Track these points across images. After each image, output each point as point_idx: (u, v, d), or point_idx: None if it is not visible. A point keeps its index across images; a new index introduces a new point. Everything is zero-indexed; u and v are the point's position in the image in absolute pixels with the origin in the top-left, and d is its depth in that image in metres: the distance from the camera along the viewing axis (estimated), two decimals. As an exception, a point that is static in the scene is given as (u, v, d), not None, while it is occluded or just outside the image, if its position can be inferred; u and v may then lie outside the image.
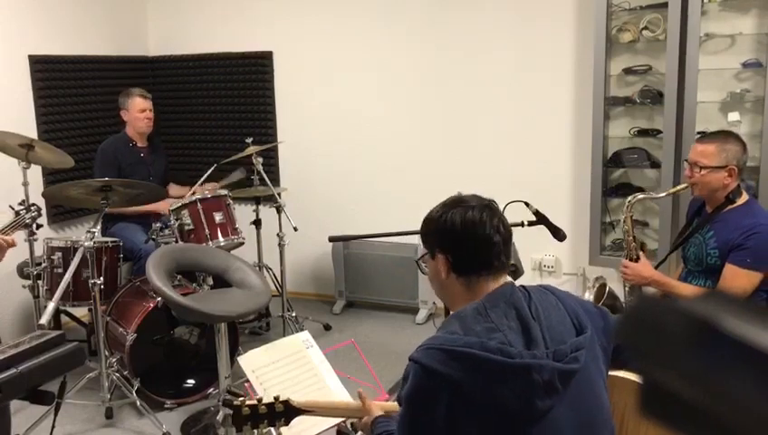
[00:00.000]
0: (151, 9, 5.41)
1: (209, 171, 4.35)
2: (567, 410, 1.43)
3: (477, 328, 1.44)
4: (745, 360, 0.44)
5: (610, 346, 1.56)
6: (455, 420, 1.40)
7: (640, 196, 3.09)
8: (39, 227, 3.59)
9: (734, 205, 2.69)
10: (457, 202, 1.60)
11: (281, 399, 1.83)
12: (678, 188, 2.97)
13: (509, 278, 1.60)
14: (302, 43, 4.96)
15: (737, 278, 2.60)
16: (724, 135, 2.75)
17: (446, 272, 1.58)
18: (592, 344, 1.52)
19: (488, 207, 1.59)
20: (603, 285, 3.22)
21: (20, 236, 3.58)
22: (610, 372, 1.59)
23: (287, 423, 1.84)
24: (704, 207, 2.86)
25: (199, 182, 4.31)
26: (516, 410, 1.39)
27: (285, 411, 1.83)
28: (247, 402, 1.83)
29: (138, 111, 4.20)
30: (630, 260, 2.92)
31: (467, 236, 1.56)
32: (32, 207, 3.39)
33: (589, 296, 3.21)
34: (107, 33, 5.06)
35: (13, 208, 3.39)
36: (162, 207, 4.00)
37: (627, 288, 3.03)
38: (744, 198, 2.72)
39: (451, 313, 1.59)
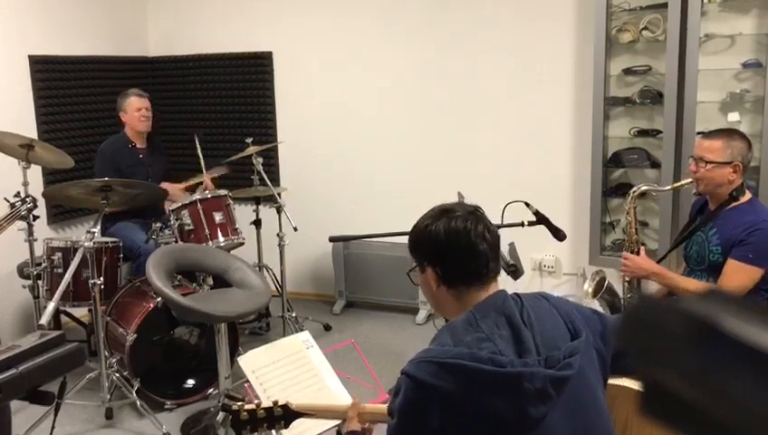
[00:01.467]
0: (151, 9, 5.42)
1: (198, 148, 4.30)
2: (562, 417, 1.42)
3: (467, 338, 1.43)
4: (745, 360, 0.44)
5: (609, 351, 1.55)
6: (447, 431, 1.39)
7: (644, 187, 3.10)
8: (35, 218, 3.58)
9: (738, 203, 2.69)
10: (442, 212, 1.58)
11: (279, 403, 1.83)
12: (683, 182, 2.97)
13: (500, 286, 1.59)
14: (302, 43, 4.96)
15: (738, 274, 2.60)
16: (730, 132, 2.76)
17: (436, 284, 1.58)
18: (588, 349, 1.50)
19: (473, 214, 1.57)
20: (603, 279, 3.22)
21: (20, 236, 3.58)
22: (612, 381, 1.58)
23: (286, 426, 1.84)
24: (706, 205, 2.86)
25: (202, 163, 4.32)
26: (510, 420, 1.38)
27: (284, 415, 1.83)
28: (245, 407, 1.83)
29: (134, 109, 4.20)
30: (631, 253, 2.92)
31: (452, 247, 1.54)
32: (27, 199, 3.39)
33: (588, 288, 3.21)
34: (107, 33, 5.06)
35: (8, 201, 3.38)
36: (174, 190, 4.04)
37: (626, 283, 3.03)
38: (748, 196, 2.72)
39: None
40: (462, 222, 1.54)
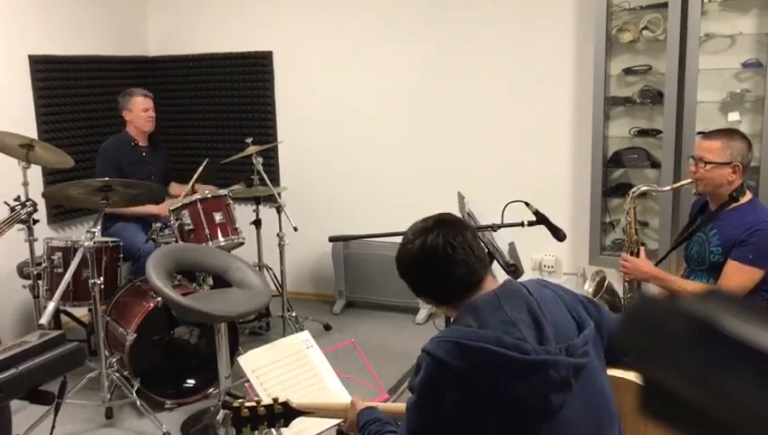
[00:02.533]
0: (151, 9, 5.41)
1: (201, 167, 4.30)
2: (578, 404, 1.45)
3: (491, 320, 1.45)
4: (745, 360, 0.44)
5: (604, 340, 1.58)
6: (464, 411, 1.42)
7: (644, 187, 3.10)
8: (35, 222, 3.58)
9: (738, 203, 2.68)
10: (415, 236, 1.60)
11: (280, 400, 1.83)
12: (683, 182, 2.97)
13: (497, 278, 1.62)
14: (302, 43, 4.96)
15: (738, 274, 2.60)
16: (730, 132, 2.76)
17: (437, 306, 1.65)
18: (596, 338, 1.54)
19: (439, 224, 1.59)
20: (603, 279, 3.22)
21: (20, 236, 3.58)
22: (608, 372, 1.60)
23: (286, 425, 1.84)
24: (707, 206, 2.86)
25: (194, 179, 4.26)
26: (532, 406, 1.41)
27: (284, 413, 1.83)
28: (246, 404, 1.83)
29: (141, 109, 4.21)
30: (631, 254, 2.92)
31: (434, 274, 1.57)
32: (27, 202, 3.40)
33: (588, 288, 3.22)
34: (107, 33, 5.06)
35: (8, 205, 3.39)
36: (161, 210, 4.00)
37: (626, 283, 3.03)
38: (748, 196, 2.71)
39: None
40: (433, 240, 1.55)
